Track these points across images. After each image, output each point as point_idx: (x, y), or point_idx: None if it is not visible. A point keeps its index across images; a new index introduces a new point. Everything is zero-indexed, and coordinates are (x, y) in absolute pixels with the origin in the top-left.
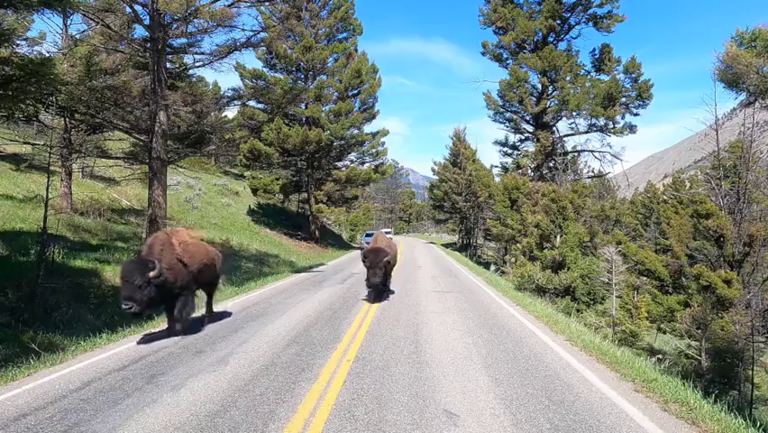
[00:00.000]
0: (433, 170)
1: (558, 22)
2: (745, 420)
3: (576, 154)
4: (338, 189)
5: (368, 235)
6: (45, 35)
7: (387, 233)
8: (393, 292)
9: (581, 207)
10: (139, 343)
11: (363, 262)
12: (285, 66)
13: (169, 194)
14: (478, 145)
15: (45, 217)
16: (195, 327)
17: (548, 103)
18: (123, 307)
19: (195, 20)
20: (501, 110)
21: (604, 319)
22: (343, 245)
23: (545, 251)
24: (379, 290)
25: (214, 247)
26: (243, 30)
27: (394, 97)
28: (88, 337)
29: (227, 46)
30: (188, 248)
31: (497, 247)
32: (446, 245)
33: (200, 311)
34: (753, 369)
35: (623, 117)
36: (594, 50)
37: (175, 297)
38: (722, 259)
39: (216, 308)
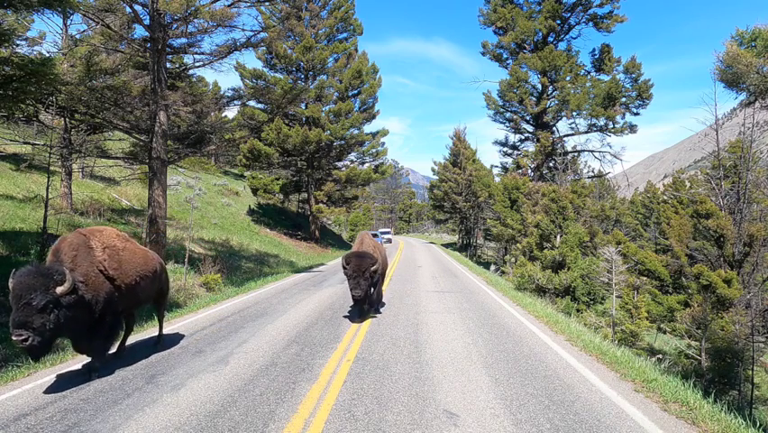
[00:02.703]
0: (433, 170)
1: (558, 22)
2: (745, 420)
3: (576, 154)
4: (338, 189)
5: None
6: (45, 35)
7: (386, 232)
8: (384, 305)
9: (581, 207)
10: (46, 393)
11: (344, 270)
12: (285, 66)
13: (169, 194)
14: (478, 145)
15: (45, 217)
16: (133, 355)
17: (548, 103)
18: (14, 339)
19: (195, 20)
20: (501, 110)
21: (604, 319)
22: (343, 245)
23: (545, 251)
24: (362, 307)
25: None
26: (243, 30)
27: (394, 97)
28: None
29: (227, 46)
30: (117, 254)
31: (497, 247)
32: (446, 245)
33: (139, 334)
34: (753, 369)
35: (623, 117)
36: (594, 50)
37: (96, 322)
38: (722, 259)
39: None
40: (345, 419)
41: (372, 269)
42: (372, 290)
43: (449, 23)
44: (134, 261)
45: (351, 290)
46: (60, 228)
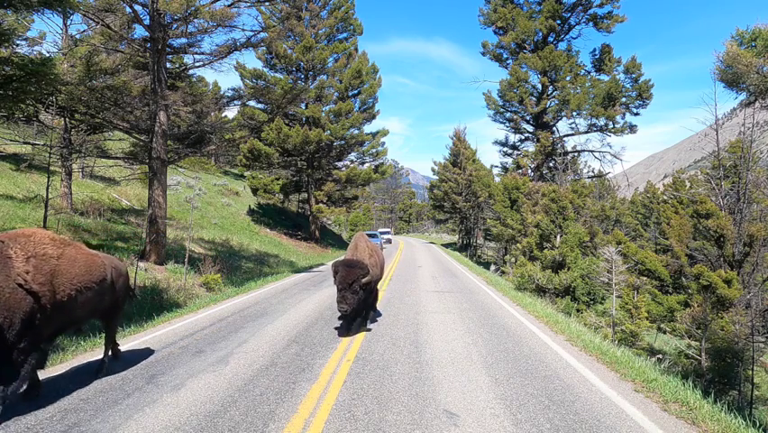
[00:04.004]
0: (433, 170)
1: (558, 22)
2: (745, 420)
3: (576, 154)
4: (338, 189)
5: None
6: (45, 35)
7: (386, 233)
8: (380, 315)
9: (581, 207)
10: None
11: (334, 279)
12: (285, 66)
13: (169, 194)
14: (478, 145)
15: (45, 217)
16: (130, 358)
17: (548, 103)
18: None
19: (195, 20)
20: (501, 110)
21: (604, 319)
22: (343, 245)
23: (545, 251)
24: (350, 322)
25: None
26: (243, 30)
27: (394, 97)
28: (88, 337)
29: (227, 46)
30: (47, 264)
31: (497, 247)
32: (446, 245)
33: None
34: (753, 369)
35: (623, 117)
36: (594, 50)
37: (7, 349)
38: (722, 259)
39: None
40: (345, 419)
41: (363, 281)
42: (364, 303)
43: (449, 23)
44: (73, 270)
45: (337, 303)
46: (60, 228)
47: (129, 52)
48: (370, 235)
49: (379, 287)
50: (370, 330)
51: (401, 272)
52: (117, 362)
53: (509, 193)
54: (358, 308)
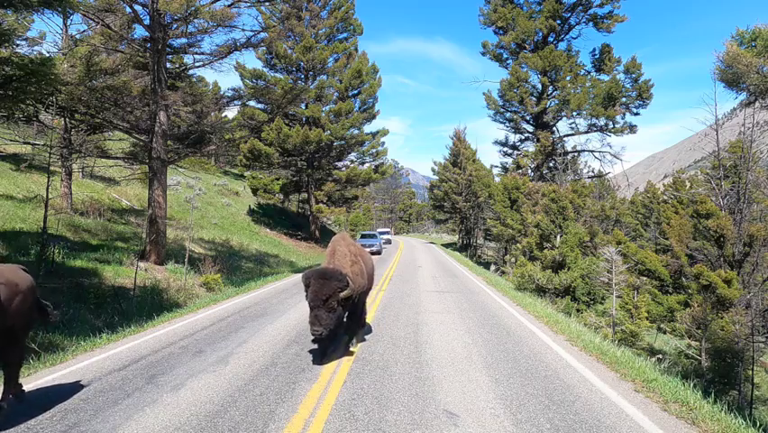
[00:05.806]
0: (433, 170)
1: (558, 22)
2: (745, 420)
3: (576, 154)
4: (338, 189)
5: (364, 237)
6: (45, 35)
7: (385, 233)
8: (370, 333)
9: (581, 207)
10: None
11: (306, 293)
12: (285, 66)
13: (169, 194)
14: (478, 145)
15: (45, 217)
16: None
17: (548, 103)
18: None
19: (195, 20)
20: (501, 110)
21: (604, 319)
22: None
23: (545, 251)
24: (327, 345)
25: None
26: (243, 30)
27: (394, 97)
28: (88, 337)
29: (227, 46)
30: None
31: (497, 247)
32: (446, 245)
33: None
34: (753, 369)
35: (623, 117)
36: (594, 50)
37: None
38: (722, 259)
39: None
40: (345, 419)
41: (342, 295)
42: (349, 316)
43: (449, 23)
44: None
45: (310, 325)
46: (60, 228)
47: (129, 52)
48: (368, 236)
49: (378, 287)
50: (352, 353)
51: (401, 273)
52: (20, 405)
53: (509, 193)
54: (336, 329)
